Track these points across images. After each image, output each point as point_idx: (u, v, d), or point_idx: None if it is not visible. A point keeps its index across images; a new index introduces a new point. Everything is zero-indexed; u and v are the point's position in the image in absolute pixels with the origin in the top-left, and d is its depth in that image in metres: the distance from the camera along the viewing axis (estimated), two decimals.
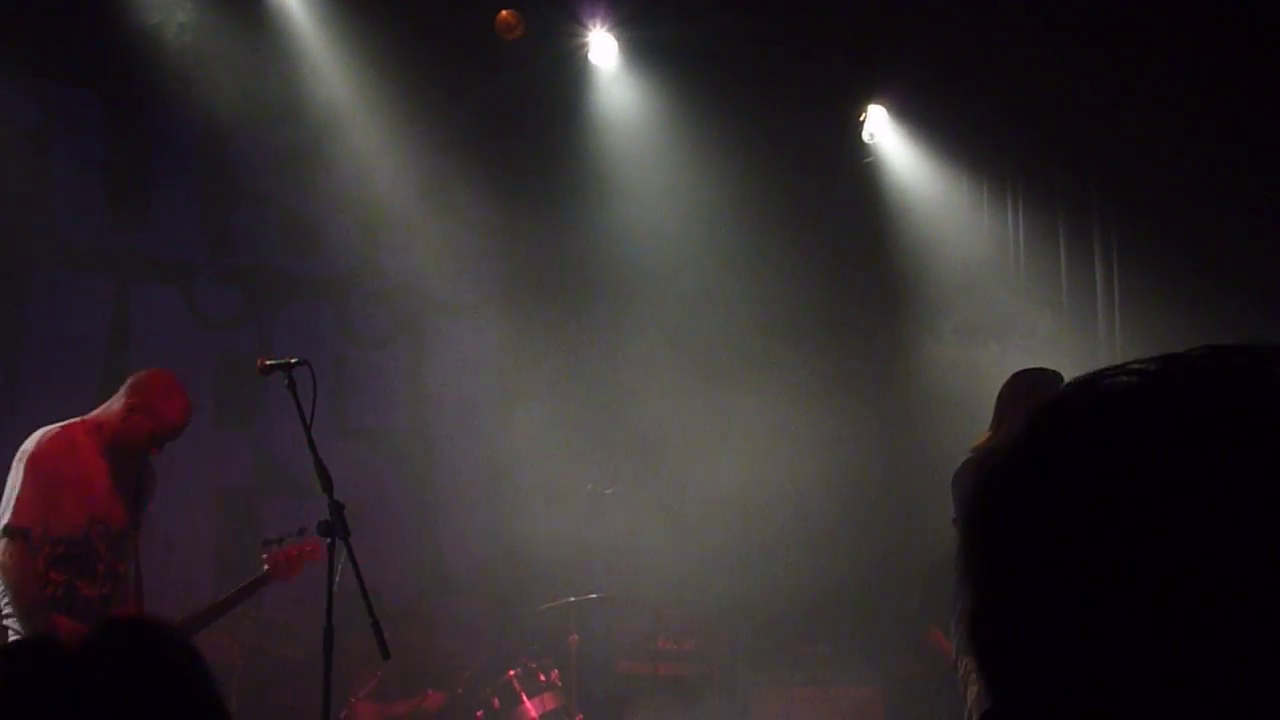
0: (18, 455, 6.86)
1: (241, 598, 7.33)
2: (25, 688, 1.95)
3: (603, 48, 11.87)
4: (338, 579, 6.49)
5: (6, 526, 6.69)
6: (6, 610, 6.63)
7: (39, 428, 7.09)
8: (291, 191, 11.23)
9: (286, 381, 6.58)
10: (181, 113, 10.68)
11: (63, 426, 7.01)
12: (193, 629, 7.08)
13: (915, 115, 12.57)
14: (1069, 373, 8.56)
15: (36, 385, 9.83)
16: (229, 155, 11.01)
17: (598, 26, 11.73)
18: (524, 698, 9.68)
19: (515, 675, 9.81)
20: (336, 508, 6.30)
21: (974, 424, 7.81)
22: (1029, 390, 7.54)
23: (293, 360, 6.65)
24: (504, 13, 11.25)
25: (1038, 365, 7.81)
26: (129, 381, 7.15)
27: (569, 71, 11.95)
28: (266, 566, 7.25)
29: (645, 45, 11.87)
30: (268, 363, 6.76)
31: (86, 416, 7.11)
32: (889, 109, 12.65)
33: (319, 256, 11.47)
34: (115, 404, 7.10)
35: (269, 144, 11.05)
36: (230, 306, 11.09)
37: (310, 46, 11.01)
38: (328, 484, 6.36)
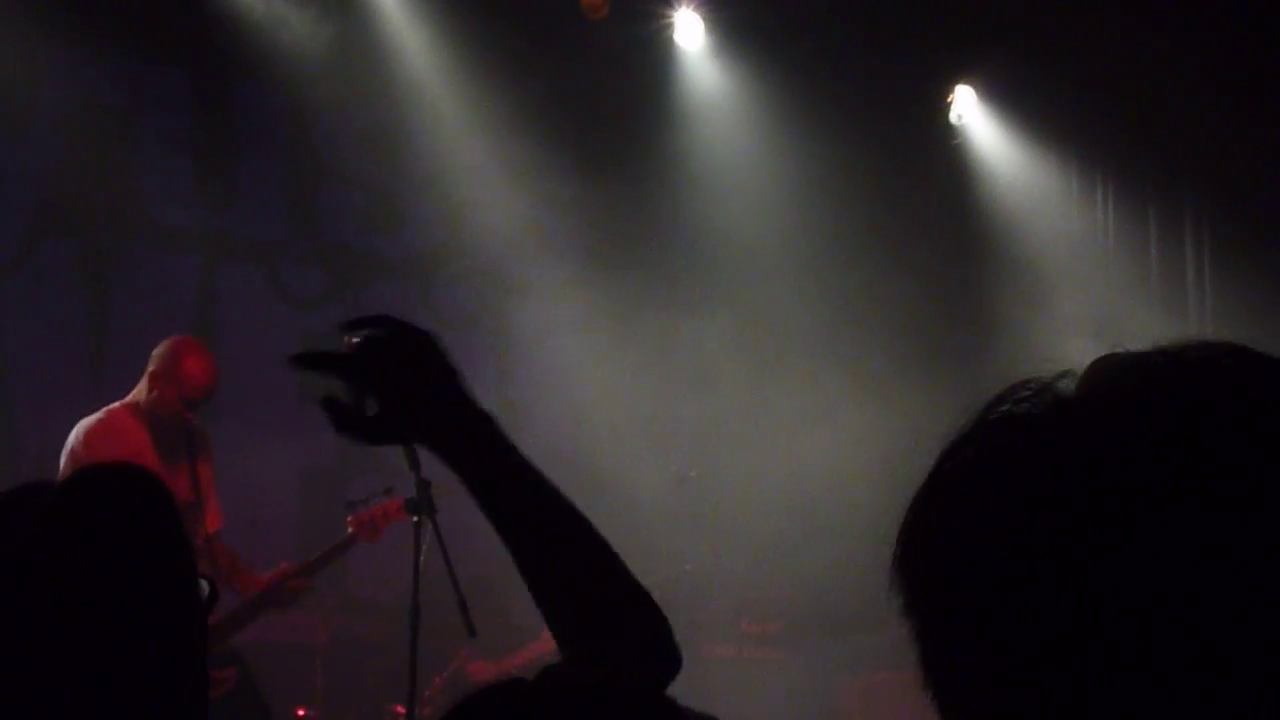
0: (64, 450, 6.90)
1: (328, 560, 7.33)
2: None
3: (688, 27, 11.80)
4: (424, 557, 6.48)
5: None
6: None
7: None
8: (376, 171, 11.25)
9: None
10: (267, 91, 10.72)
11: (103, 412, 7.05)
12: (279, 596, 7.10)
13: (1004, 97, 12.44)
14: None
15: (123, 365, 9.85)
16: (314, 134, 11.04)
17: (684, 6, 11.66)
18: None
19: None
20: (423, 485, 6.27)
21: None
22: None
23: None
24: None
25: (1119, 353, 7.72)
26: (150, 356, 7.16)
27: (654, 51, 11.89)
28: (351, 529, 7.24)
29: (731, 25, 11.80)
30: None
31: (124, 400, 7.13)
32: (977, 90, 12.52)
33: (403, 236, 11.49)
34: (142, 381, 7.11)
35: (354, 123, 11.08)
36: (316, 286, 11.12)
37: (395, 25, 11.01)
38: (415, 461, 6.34)
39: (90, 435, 6.91)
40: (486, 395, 8.49)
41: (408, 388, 2.18)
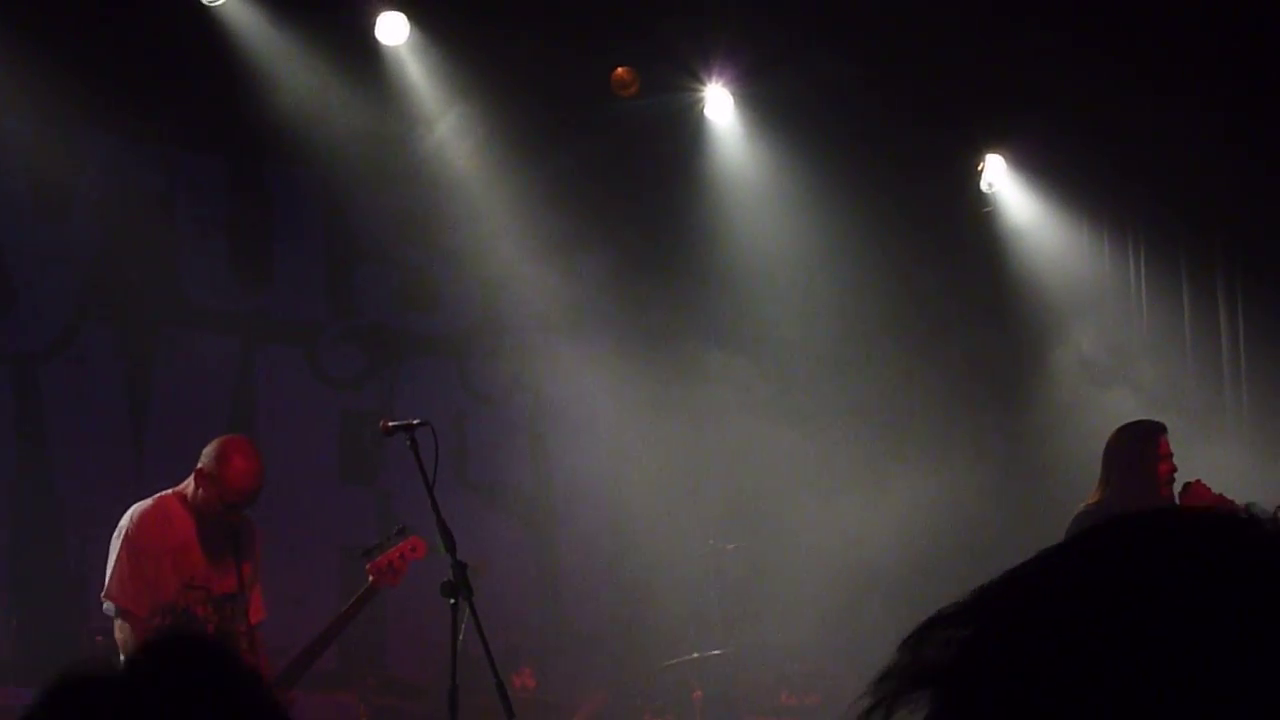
0: (117, 530, 6.96)
1: (353, 613, 7.34)
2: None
3: (718, 102, 11.88)
4: (461, 639, 6.51)
5: (117, 607, 6.81)
6: None
7: (163, 489, 7.19)
8: (411, 249, 11.35)
9: (409, 443, 6.63)
10: (301, 174, 10.84)
11: (156, 498, 7.10)
12: (314, 654, 7.14)
13: (1034, 165, 12.47)
14: (1191, 425, 8.50)
15: (163, 447, 9.95)
16: (349, 215, 11.15)
17: (714, 81, 11.74)
18: None
19: None
20: (459, 568, 6.33)
21: (1091, 474, 7.74)
22: (1133, 444, 7.50)
23: (415, 421, 6.70)
24: (620, 70, 11.31)
25: (1155, 417, 7.75)
26: (203, 451, 7.20)
27: (684, 126, 11.97)
28: (371, 576, 7.25)
29: (760, 99, 11.87)
30: (390, 425, 6.82)
31: (176, 488, 7.19)
32: (1007, 158, 12.56)
33: (439, 313, 11.57)
34: (192, 474, 7.17)
35: (388, 203, 11.18)
36: (353, 365, 11.20)
37: (429, 107, 11.11)
38: (451, 544, 6.40)
39: (144, 519, 6.97)
40: (523, 472, 8.60)
41: None
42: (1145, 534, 1.15)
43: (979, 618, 1.18)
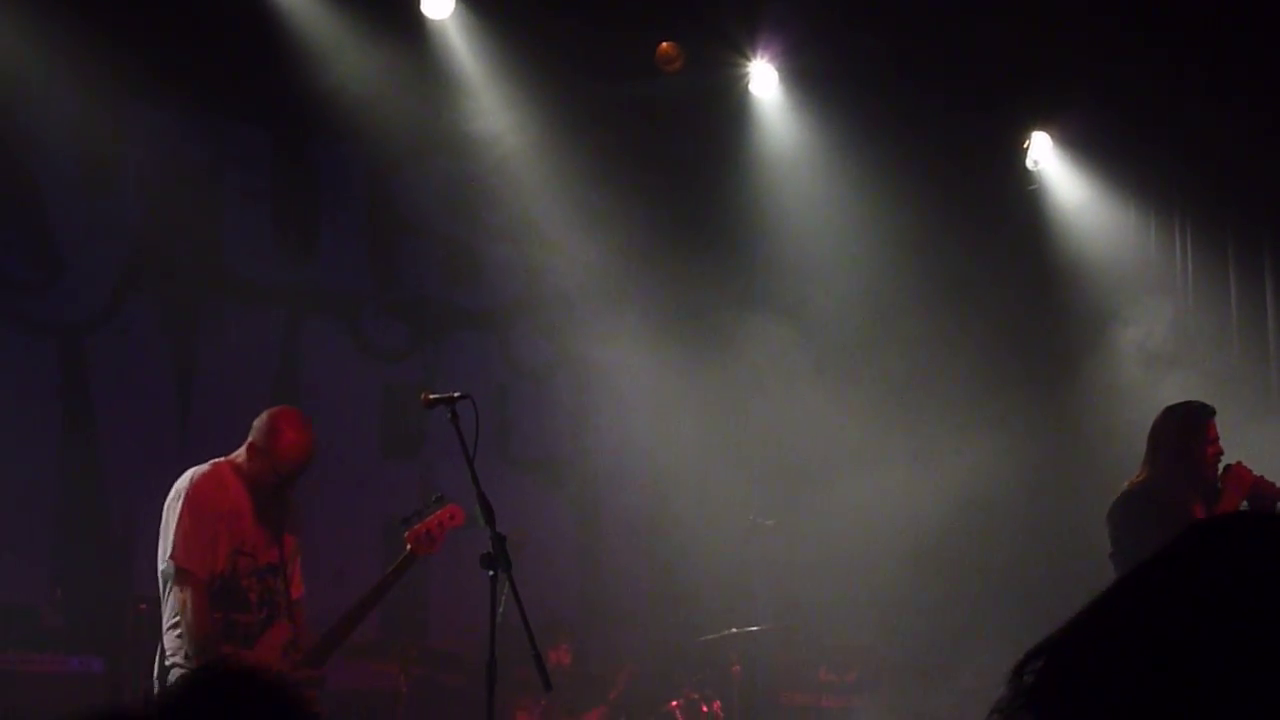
0: (173, 493, 6.97)
1: (392, 581, 7.31)
2: None
3: (763, 78, 11.85)
4: (501, 610, 6.53)
5: (177, 568, 6.82)
6: (172, 652, 6.76)
7: (207, 460, 7.23)
8: (455, 223, 11.37)
9: (450, 415, 6.65)
10: (348, 147, 10.87)
11: (212, 464, 7.12)
12: (353, 622, 7.16)
13: (1080, 143, 12.40)
14: (1237, 408, 8.42)
15: (207, 418, 10.02)
16: (394, 188, 11.19)
17: (758, 57, 11.72)
18: None
19: (678, 706, 9.85)
20: (498, 540, 6.34)
21: (1134, 454, 7.69)
22: (1181, 426, 7.45)
23: (456, 395, 6.71)
24: (664, 45, 11.30)
25: (1202, 399, 7.70)
26: (254, 423, 7.23)
27: (729, 102, 11.95)
28: (409, 545, 7.25)
29: (806, 75, 11.84)
30: (431, 397, 6.84)
31: (229, 456, 7.21)
32: (1053, 136, 12.50)
33: (482, 288, 11.60)
34: (244, 446, 7.19)
35: (433, 177, 11.21)
36: (396, 338, 11.25)
37: (474, 80, 11.12)
38: (490, 516, 6.41)
39: (203, 482, 6.98)
40: (565, 446, 8.63)
41: None
42: (1232, 541, 1.17)
43: (1075, 638, 1.26)
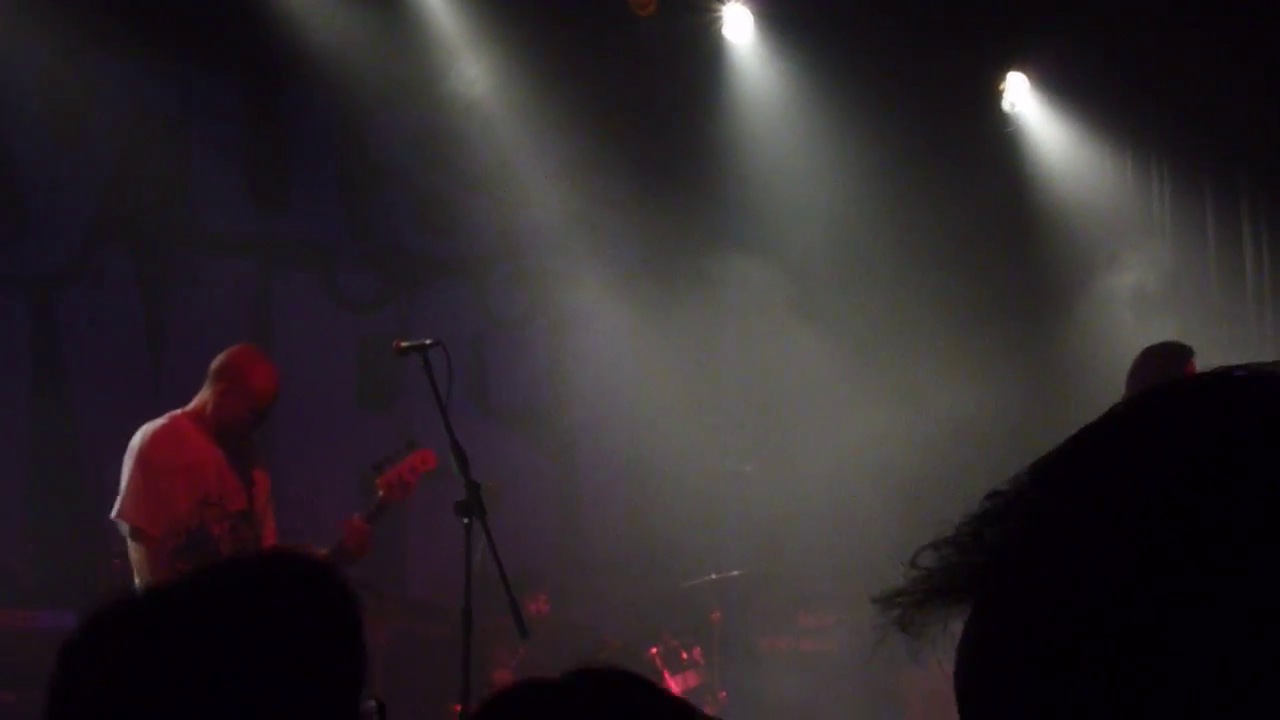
0: (127, 452, 6.91)
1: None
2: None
3: (737, 21, 11.77)
4: (478, 558, 6.50)
5: (131, 526, 6.77)
6: None
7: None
8: (428, 172, 11.29)
9: (422, 363, 6.60)
10: (318, 96, 10.78)
11: (168, 416, 7.05)
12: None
13: (1057, 84, 12.38)
14: (1215, 350, 8.39)
15: (180, 370, 9.93)
16: (365, 138, 11.10)
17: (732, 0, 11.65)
18: (666, 675, 9.68)
19: (658, 653, 9.83)
20: (473, 488, 6.31)
21: (1117, 393, 7.66)
22: (1161, 366, 7.42)
23: (428, 342, 6.66)
24: None
25: (1182, 340, 7.67)
26: (212, 368, 7.15)
27: (703, 45, 11.87)
28: (381, 491, 7.18)
29: (780, 17, 11.77)
30: (403, 345, 6.79)
31: (186, 408, 7.14)
32: (1030, 77, 12.46)
33: (456, 237, 11.53)
34: (206, 392, 7.11)
35: (405, 125, 11.13)
36: (370, 289, 11.19)
37: (443, 27, 11.04)
38: (464, 464, 6.38)
39: (156, 437, 6.92)
40: (542, 395, 8.58)
41: None
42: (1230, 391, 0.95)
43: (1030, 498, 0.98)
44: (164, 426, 6.98)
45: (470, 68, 11.11)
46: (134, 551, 6.79)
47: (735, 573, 10.23)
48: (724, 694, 9.90)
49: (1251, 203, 12.35)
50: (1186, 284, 12.27)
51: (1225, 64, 11.03)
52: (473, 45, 11.10)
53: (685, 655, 9.86)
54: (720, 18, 11.72)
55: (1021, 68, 12.42)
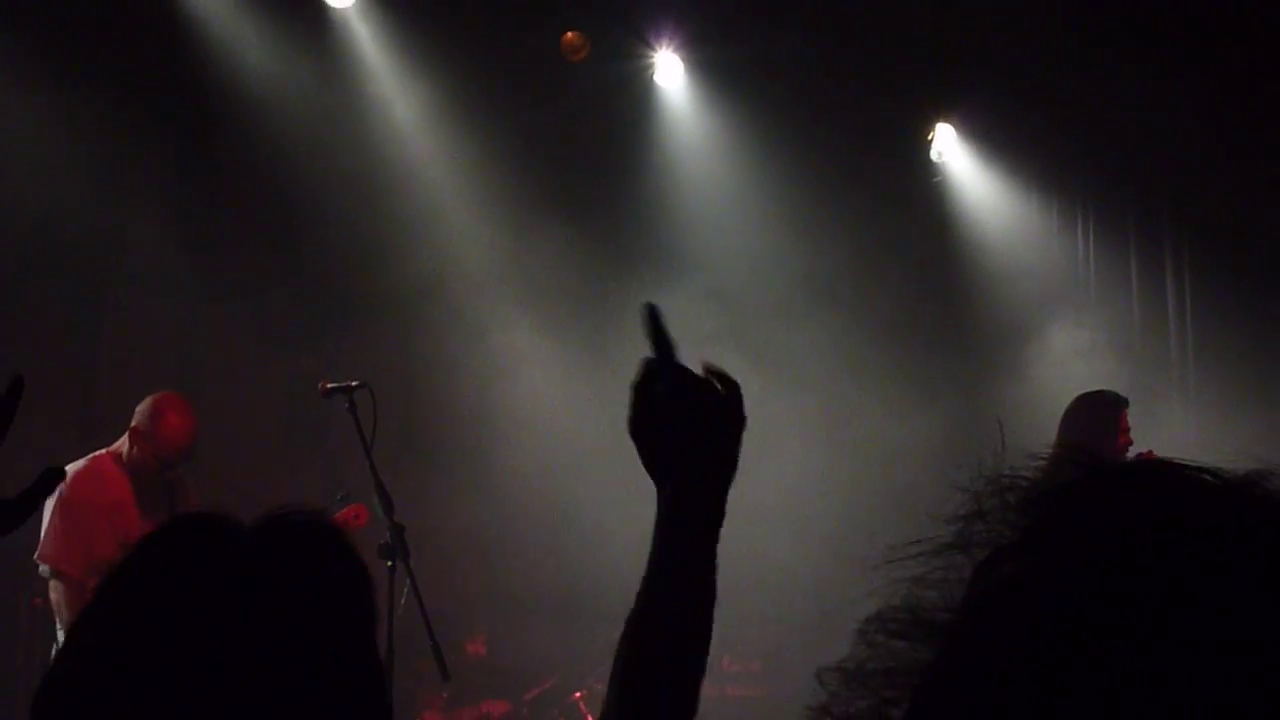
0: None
1: None
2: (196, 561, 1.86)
3: (668, 68, 11.86)
4: (402, 601, 6.52)
5: (51, 569, 6.78)
6: None
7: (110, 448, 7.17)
8: (358, 212, 11.29)
9: (347, 405, 6.62)
10: (249, 135, 10.77)
11: (89, 458, 7.08)
12: None
13: (984, 134, 12.50)
14: (1138, 395, 8.43)
15: (110, 409, 9.89)
16: (297, 178, 11.09)
17: (664, 47, 11.72)
18: (590, 719, 9.70)
19: (582, 697, 9.84)
20: (397, 530, 6.33)
21: (1045, 437, 7.72)
22: (1094, 413, 7.50)
23: (353, 384, 6.69)
24: (570, 34, 11.28)
25: (1104, 387, 7.75)
26: (136, 409, 7.18)
27: (634, 91, 11.95)
28: None
29: (711, 65, 11.86)
30: (329, 386, 6.81)
31: (110, 447, 7.16)
32: (957, 128, 12.58)
33: (385, 276, 11.53)
34: (126, 434, 7.15)
35: (336, 165, 11.13)
36: (298, 327, 11.17)
37: (375, 69, 11.07)
38: (388, 506, 6.40)
39: (77, 478, 6.93)
40: (470, 435, 8.55)
41: (703, 433, 2.20)
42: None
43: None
44: (85, 469, 6.99)
45: (399, 108, 11.15)
46: (54, 592, 6.80)
47: None
48: None
49: (1174, 250, 12.50)
50: (1112, 332, 12.39)
51: (1150, 113, 11.18)
52: (405, 87, 11.13)
53: None
54: (652, 64, 11.81)
55: (949, 118, 12.54)
